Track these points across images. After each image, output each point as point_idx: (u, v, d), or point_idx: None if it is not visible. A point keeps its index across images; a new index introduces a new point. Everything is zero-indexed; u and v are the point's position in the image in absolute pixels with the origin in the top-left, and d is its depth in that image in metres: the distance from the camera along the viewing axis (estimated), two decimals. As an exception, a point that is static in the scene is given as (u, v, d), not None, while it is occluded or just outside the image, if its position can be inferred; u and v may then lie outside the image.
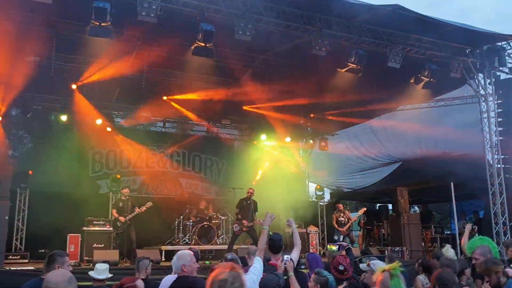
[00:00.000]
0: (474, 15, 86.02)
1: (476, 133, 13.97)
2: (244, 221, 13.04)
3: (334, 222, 14.48)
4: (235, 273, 2.85)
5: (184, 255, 5.04)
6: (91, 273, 6.49)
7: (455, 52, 13.18)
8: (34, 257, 12.59)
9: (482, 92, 13.80)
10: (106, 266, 6.55)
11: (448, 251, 7.10)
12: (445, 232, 17.78)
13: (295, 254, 5.84)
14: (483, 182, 13.56)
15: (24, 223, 13.76)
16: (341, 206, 14.88)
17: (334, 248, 6.95)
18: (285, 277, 5.10)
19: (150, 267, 6.57)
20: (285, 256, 5.34)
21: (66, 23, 12.18)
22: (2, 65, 12.23)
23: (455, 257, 6.97)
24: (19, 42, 11.77)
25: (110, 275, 6.47)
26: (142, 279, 6.02)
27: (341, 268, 5.13)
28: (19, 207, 13.73)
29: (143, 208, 12.81)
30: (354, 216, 15.10)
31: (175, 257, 5.08)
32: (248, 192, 13.60)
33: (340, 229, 14.20)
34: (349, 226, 14.38)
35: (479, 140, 13.76)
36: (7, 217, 11.66)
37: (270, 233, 5.56)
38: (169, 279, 5.33)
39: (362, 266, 5.90)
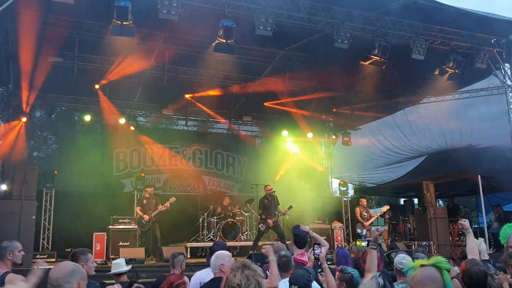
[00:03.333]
0: (498, 4, 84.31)
1: (503, 125, 13.69)
2: (269, 221, 12.94)
3: (358, 215, 14.38)
4: (248, 272, 2.67)
5: (223, 255, 4.95)
6: (110, 273, 6.55)
7: (480, 42, 12.94)
8: (61, 256, 12.69)
9: (508, 82, 13.52)
10: (122, 260, 6.59)
11: (481, 245, 6.92)
12: (473, 226, 17.49)
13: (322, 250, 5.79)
14: (510, 174, 13.29)
15: (50, 223, 13.91)
16: (364, 201, 14.74)
17: (363, 244, 6.84)
18: (319, 270, 5.03)
19: (184, 263, 6.62)
20: (316, 246, 5.24)
21: (88, 23, 12.24)
22: (26, 66, 12.38)
23: (487, 251, 6.80)
24: (42, 43, 11.89)
25: (128, 267, 6.52)
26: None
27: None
28: (45, 206, 13.88)
29: (167, 204, 12.84)
30: (376, 212, 14.95)
31: (213, 256, 4.99)
32: (267, 190, 13.44)
33: (364, 222, 14.10)
34: (372, 222, 14.26)
35: (506, 132, 13.48)
36: (34, 217, 11.82)
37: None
38: (203, 275, 5.30)
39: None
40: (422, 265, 2.83)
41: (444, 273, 2.78)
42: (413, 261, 4.04)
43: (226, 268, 4.84)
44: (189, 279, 5.45)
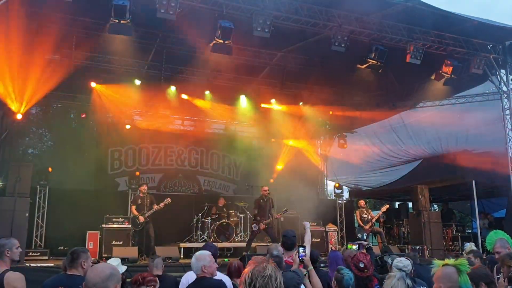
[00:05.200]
0: (496, 10, 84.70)
1: (498, 130, 13.74)
2: (262, 221, 12.91)
3: (358, 219, 14.34)
4: (275, 268, 2.72)
5: (204, 256, 4.90)
6: None
7: (476, 48, 12.99)
8: (54, 254, 12.68)
9: (504, 88, 13.58)
10: (118, 261, 6.48)
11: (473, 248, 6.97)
12: (467, 231, 17.54)
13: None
14: (505, 180, 13.32)
15: (43, 220, 13.86)
16: (362, 202, 14.68)
17: (354, 247, 6.85)
18: (305, 273, 5.03)
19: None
20: (301, 249, 5.23)
21: (86, 21, 12.23)
22: (23, 63, 12.35)
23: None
24: (39, 40, 11.86)
25: (124, 268, 6.44)
26: (159, 275, 6.06)
27: (361, 265, 5.06)
28: (38, 204, 13.82)
29: (162, 205, 12.78)
30: (376, 213, 14.87)
31: (193, 259, 4.92)
32: (263, 191, 13.41)
33: (364, 226, 14.05)
34: (372, 224, 14.23)
35: (501, 137, 13.54)
36: (27, 214, 11.77)
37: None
38: (189, 276, 5.30)
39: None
40: (444, 265, 3.14)
41: (462, 274, 3.05)
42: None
43: (208, 269, 4.82)
44: (180, 279, 5.46)
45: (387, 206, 15.15)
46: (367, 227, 14.03)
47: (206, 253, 5.01)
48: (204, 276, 4.81)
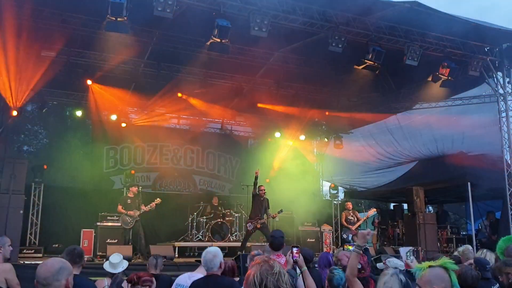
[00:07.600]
0: (494, 13, 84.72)
1: (494, 133, 13.75)
2: (258, 220, 12.86)
3: (343, 220, 14.34)
4: (280, 265, 2.70)
5: (218, 251, 4.75)
6: (106, 267, 6.41)
7: (474, 50, 12.98)
8: (48, 252, 12.67)
9: (501, 91, 13.58)
10: (120, 258, 6.44)
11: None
12: (461, 233, 17.55)
13: None
14: (500, 182, 13.34)
15: (38, 218, 13.83)
16: (350, 205, 14.68)
17: (351, 248, 6.83)
18: (298, 273, 5.01)
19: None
20: (294, 249, 5.15)
21: (82, 18, 12.17)
22: (19, 60, 12.28)
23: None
24: (35, 37, 11.81)
25: (126, 264, 6.41)
26: (155, 274, 6.02)
27: (358, 266, 5.04)
28: (33, 201, 13.79)
29: (153, 204, 12.60)
30: (363, 216, 14.83)
31: (209, 255, 4.68)
32: (260, 190, 13.36)
33: (350, 226, 14.04)
34: (358, 226, 14.22)
35: (497, 140, 13.55)
36: (21, 211, 11.72)
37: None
38: (181, 280, 5.21)
39: (379, 265, 5.80)
40: (430, 266, 3.03)
41: (451, 273, 2.98)
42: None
43: (222, 266, 4.74)
44: (175, 279, 5.40)
45: (374, 209, 15.17)
46: (353, 227, 14.03)
47: (218, 248, 4.87)
48: (216, 273, 4.63)
